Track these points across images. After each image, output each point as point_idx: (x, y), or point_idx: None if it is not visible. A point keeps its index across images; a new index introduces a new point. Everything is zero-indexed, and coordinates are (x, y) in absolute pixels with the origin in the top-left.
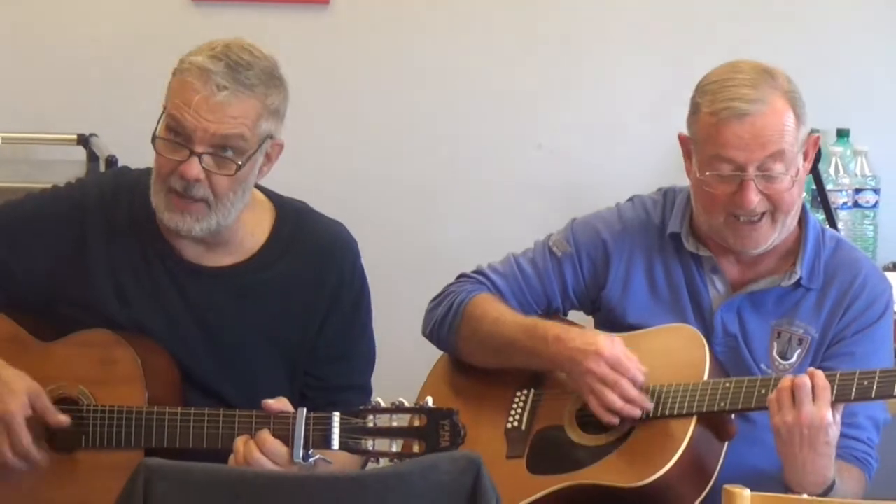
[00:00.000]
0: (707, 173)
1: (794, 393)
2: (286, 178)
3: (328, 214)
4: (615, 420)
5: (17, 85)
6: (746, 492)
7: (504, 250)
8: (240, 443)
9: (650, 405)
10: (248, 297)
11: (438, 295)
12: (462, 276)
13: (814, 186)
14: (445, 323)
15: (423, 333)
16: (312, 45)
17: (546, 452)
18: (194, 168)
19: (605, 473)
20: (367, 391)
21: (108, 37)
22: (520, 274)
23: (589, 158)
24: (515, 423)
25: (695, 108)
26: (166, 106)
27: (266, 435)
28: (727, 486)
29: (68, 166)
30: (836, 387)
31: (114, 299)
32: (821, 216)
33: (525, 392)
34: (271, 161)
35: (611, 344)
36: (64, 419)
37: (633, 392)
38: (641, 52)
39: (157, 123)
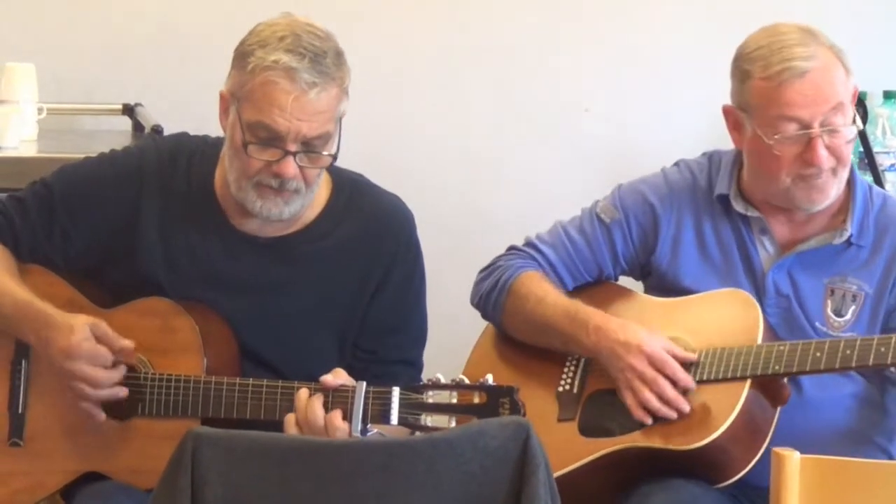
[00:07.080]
0: (776, 137)
1: None
2: None
3: (370, 173)
4: (648, 420)
5: (61, 55)
6: (796, 454)
7: (550, 215)
8: (303, 396)
9: (686, 407)
10: (301, 265)
11: (487, 266)
12: (512, 248)
13: (861, 148)
14: (491, 298)
15: (472, 303)
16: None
17: (598, 415)
18: (291, 168)
19: (658, 436)
20: (417, 367)
21: (152, 6)
22: (569, 243)
23: (636, 123)
24: (567, 386)
25: (744, 77)
26: (240, 107)
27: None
28: (776, 449)
29: (114, 136)
30: None
31: (161, 265)
32: (868, 178)
33: (577, 355)
34: None
35: (652, 340)
36: (128, 343)
37: (671, 392)
38: (690, 17)
39: (240, 126)
